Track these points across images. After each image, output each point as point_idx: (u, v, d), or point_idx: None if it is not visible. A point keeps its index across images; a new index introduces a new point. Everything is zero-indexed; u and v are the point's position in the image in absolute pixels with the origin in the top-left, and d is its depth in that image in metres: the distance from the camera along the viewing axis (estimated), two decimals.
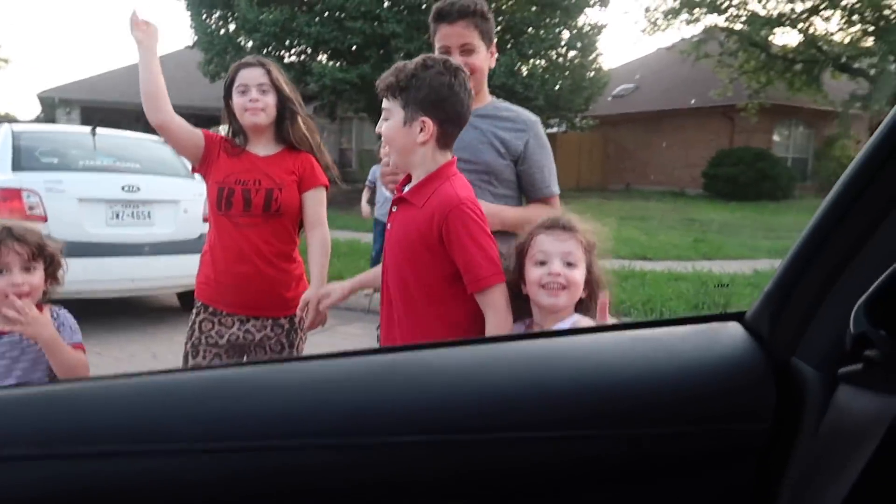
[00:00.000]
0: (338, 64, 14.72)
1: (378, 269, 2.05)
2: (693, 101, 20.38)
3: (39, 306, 1.85)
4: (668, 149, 21.66)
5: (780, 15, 15.86)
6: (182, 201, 5.53)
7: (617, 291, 6.14)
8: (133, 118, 26.30)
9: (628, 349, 0.81)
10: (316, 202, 2.45)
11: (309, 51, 15.47)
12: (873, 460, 0.60)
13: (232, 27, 15.89)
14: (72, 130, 6.70)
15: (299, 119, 2.43)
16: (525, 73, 15.30)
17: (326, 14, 14.67)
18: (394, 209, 1.84)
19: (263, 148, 2.44)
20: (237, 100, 2.37)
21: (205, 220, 5.61)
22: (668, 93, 22.40)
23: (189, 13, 16.50)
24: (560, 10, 16.00)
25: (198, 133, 2.43)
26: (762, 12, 16.61)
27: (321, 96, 15.83)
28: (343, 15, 14.26)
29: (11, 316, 1.75)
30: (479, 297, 1.69)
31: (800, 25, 16.03)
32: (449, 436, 0.73)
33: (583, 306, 1.68)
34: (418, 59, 1.74)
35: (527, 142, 2.13)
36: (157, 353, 4.83)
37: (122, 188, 5.28)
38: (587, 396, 0.76)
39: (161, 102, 2.27)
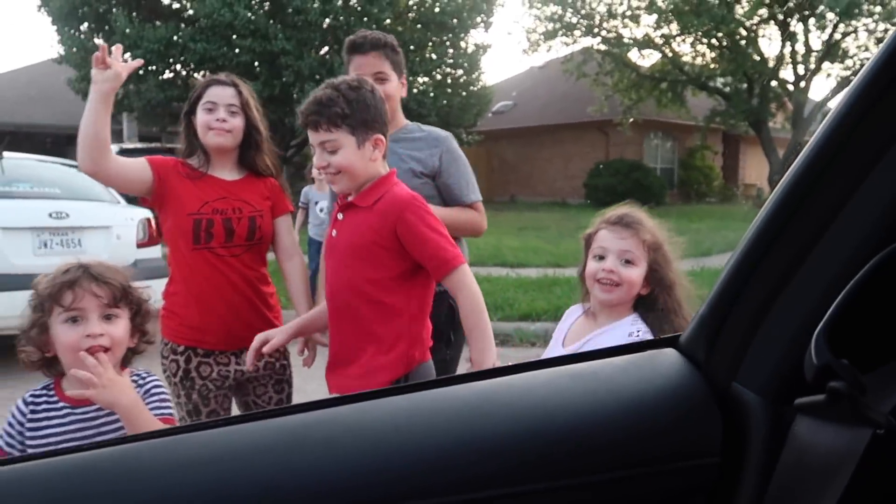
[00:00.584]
0: None
1: (316, 310, 2.08)
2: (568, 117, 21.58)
3: (122, 367, 1.52)
4: (549, 161, 22.76)
5: (646, 38, 17.24)
6: (114, 227, 5.25)
7: (552, 298, 6.46)
8: None
9: (568, 387, 0.75)
10: (288, 229, 2.39)
11: (193, 67, 14.90)
12: (847, 495, 0.57)
13: (99, 40, 15.01)
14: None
15: (265, 147, 2.33)
16: (417, 91, 15.59)
17: (214, 31, 14.22)
18: (340, 217, 1.90)
19: (229, 172, 2.29)
20: (203, 117, 2.20)
21: (139, 245, 5.36)
22: (544, 109, 23.55)
23: (55, 27, 15.38)
24: (446, 30, 16.46)
25: (141, 166, 2.19)
26: (629, 35, 18.00)
27: None
28: (232, 32, 13.88)
29: (82, 376, 1.38)
30: (448, 281, 1.79)
31: (664, 49, 17.49)
32: None
33: (646, 304, 1.68)
34: (335, 84, 1.80)
35: (440, 157, 2.28)
36: None
37: (50, 215, 4.93)
38: (528, 444, 0.69)
39: (103, 151, 2.04)
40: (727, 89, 17.54)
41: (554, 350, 1.82)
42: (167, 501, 0.62)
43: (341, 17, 14.52)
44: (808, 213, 0.63)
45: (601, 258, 1.67)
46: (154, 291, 1.87)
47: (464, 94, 17.12)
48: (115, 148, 10.17)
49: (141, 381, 1.52)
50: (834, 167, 0.60)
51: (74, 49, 14.89)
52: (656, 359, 0.78)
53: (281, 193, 2.37)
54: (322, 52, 15.32)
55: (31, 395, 1.51)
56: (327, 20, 14.41)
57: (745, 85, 17.11)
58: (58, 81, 24.98)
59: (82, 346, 1.41)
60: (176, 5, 15.89)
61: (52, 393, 1.49)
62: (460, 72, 17.27)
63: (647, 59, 18.23)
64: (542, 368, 0.79)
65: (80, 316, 1.43)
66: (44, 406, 1.48)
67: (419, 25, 16.32)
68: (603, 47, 17.53)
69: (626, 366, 0.78)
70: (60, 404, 1.47)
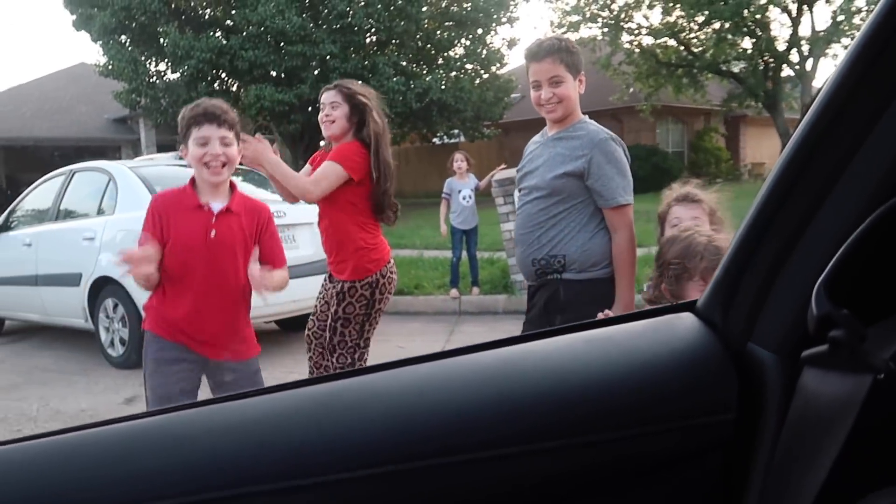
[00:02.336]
0: (277, 87, 14.73)
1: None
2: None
3: None
4: None
5: (667, 25, 17.97)
6: (314, 223, 5.77)
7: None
8: None
9: (583, 352, 0.78)
10: (320, 170, 2.98)
11: (240, 74, 15.28)
12: (848, 444, 0.58)
13: (130, 48, 15.31)
14: (165, 162, 6.59)
15: (367, 122, 2.98)
16: (454, 87, 16.14)
17: (261, 38, 14.64)
18: (214, 220, 2.36)
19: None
20: (320, 117, 3.02)
21: None
22: None
23: (99, 42, 15.67)
24: (476, 25, 17.03)
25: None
26: (647, 24, 18.76)
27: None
28: (282, 39, 14.32)
29: None
30: (280, 271, 2.46)
31: (686, 37, 18.24)
32: (400, 465, 0.69)
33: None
34: (222, 102, 2.40)
35: (591, 159, 2.33)
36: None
37: (275, 213, 5.45)
38: (546, 406, 0.73)
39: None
40: (741, 72, 18.35)
41: None
42: (213, 462, 0.67)
43: (383, 18, 15.02)
44: (813, 172, 0.64)
45: (677, 227, 2.00)
46: None
47: (494, 88, 17.67)
48: (172, 155, 9.98)
49: None
50: (836, 128, 0.61)
51: (122, 62, 15.18)
52: (673, 323, 0.81)
53: (333, 153, 2.98)
54: (365, 52, 15.81)
55: None
56: (371, 22, 14.89)
57: (761, 67, 17.92)
58: (67, 94, 25.08)
59: None
60: (215, 14, 16.24)
61: None
62: (492, 66, 17.75)
63: (664, 47, 18.89)
64: (560, 335, 0.82)
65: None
66: None
67: (450, 23, 16.86)
68: (627, 37, 18.22)
69: (642, 330, 0.81)
70: None
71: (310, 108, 14.74)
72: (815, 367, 0.64)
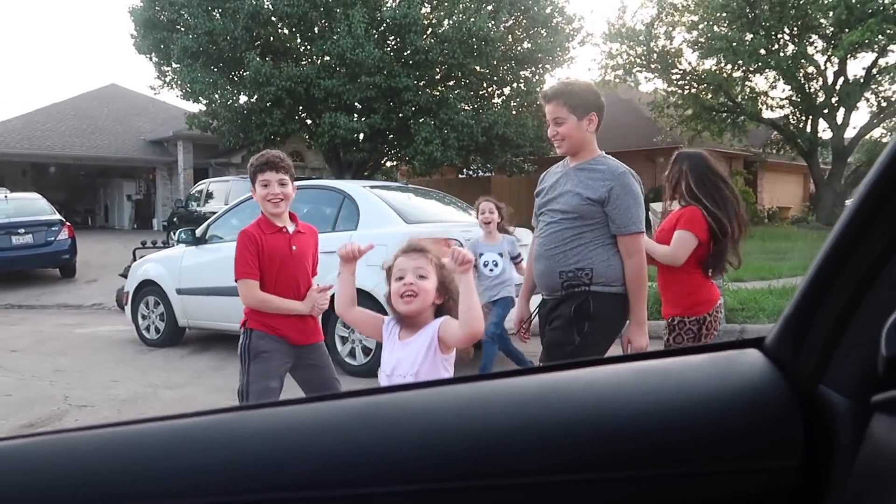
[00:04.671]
0: (352, 116, 15.19)
1: None
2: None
3: None
4: None
5: (710, 72, 18.88)
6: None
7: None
8: (19, 171, 24.14)
9: (631, 382, 0.75)
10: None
11: (314, 101, 15.71)
12: None
13: (211, 71, 15.73)
14: (390, 186, 6.98)
15: None
16: (515, 122, 16.71)
17: (336, 69, 15.13)
18: (291, 239, 3.07)
19: None
20: None
21: None
22: None
23: (178, 66, 16.05)
24: (536, 64, 17.69)
25: None
26: (689, 68, 19.67)
27: (320, 146, 16.20)
28: (360, 70, 14.82)
29: None
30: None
31: (725, 83, 19.16)
32: (434, 484, 0.68)
33: (443, 310, 2.05)
34: (276, 152, 3.13)
35: (611, 188, 2.62)
36: None
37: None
38: (587, 436, 0.70)
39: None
40: (780, 120, 19.28)
41: (388, 352, 2.11)
42: (250, 465, 0.69)
43: (458, 55, 15.57)
44: (889, 214, 0.62)
45: (401, 278, 2.01)
46: None
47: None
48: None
49: None
50: None
51: (203, 86, 15.54)
52: (736, 359, 0.77)
53: None
54: (438, 86, 16.35)
55: None
56: (444, 57, 15.46)
57: (801, 116, 18.88)
58: (102, 115, 25.28)
59: None
60: (294, 44, 16.70)
61: None
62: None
63: (710, 93, 19.76)
64: (605, 365, 0.79)
65: None
66: None
67: (512, 62, 17.50)
68: (679, 82, 19.07)
69: (700, 364, 0.78)
70: None
71: (368, 139, 15.19)
72: (885, 412, 0.62)
